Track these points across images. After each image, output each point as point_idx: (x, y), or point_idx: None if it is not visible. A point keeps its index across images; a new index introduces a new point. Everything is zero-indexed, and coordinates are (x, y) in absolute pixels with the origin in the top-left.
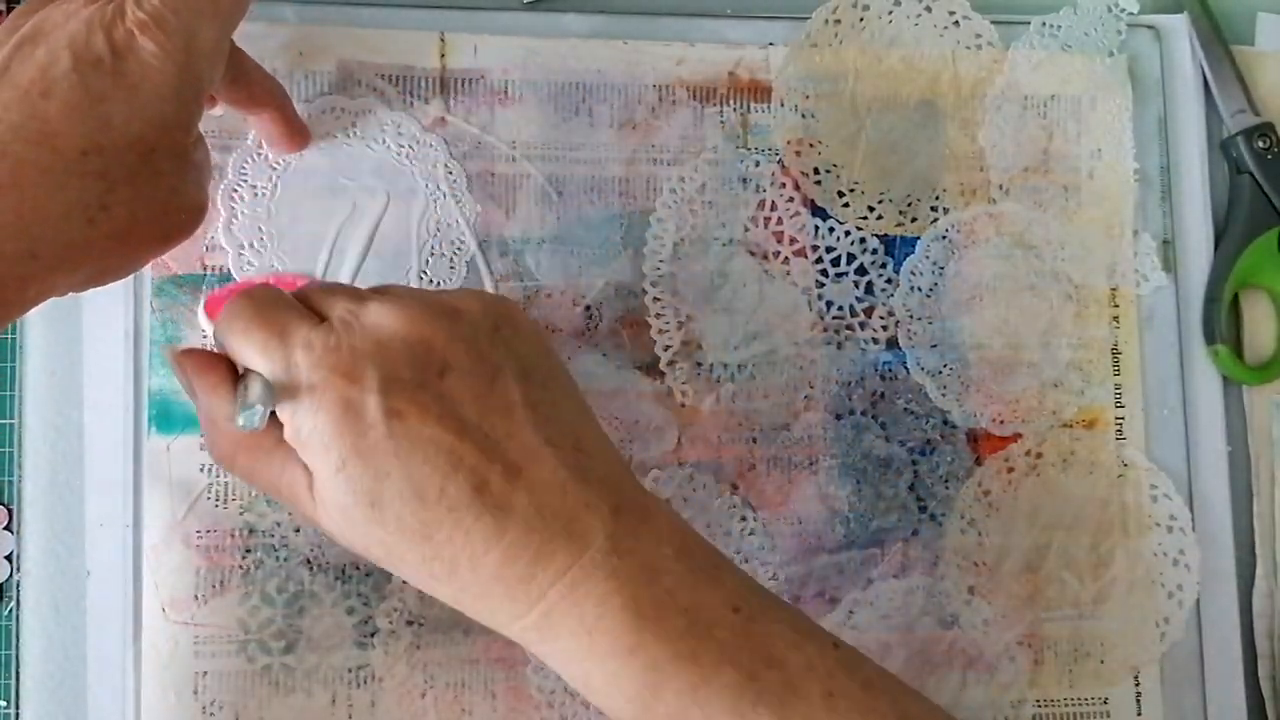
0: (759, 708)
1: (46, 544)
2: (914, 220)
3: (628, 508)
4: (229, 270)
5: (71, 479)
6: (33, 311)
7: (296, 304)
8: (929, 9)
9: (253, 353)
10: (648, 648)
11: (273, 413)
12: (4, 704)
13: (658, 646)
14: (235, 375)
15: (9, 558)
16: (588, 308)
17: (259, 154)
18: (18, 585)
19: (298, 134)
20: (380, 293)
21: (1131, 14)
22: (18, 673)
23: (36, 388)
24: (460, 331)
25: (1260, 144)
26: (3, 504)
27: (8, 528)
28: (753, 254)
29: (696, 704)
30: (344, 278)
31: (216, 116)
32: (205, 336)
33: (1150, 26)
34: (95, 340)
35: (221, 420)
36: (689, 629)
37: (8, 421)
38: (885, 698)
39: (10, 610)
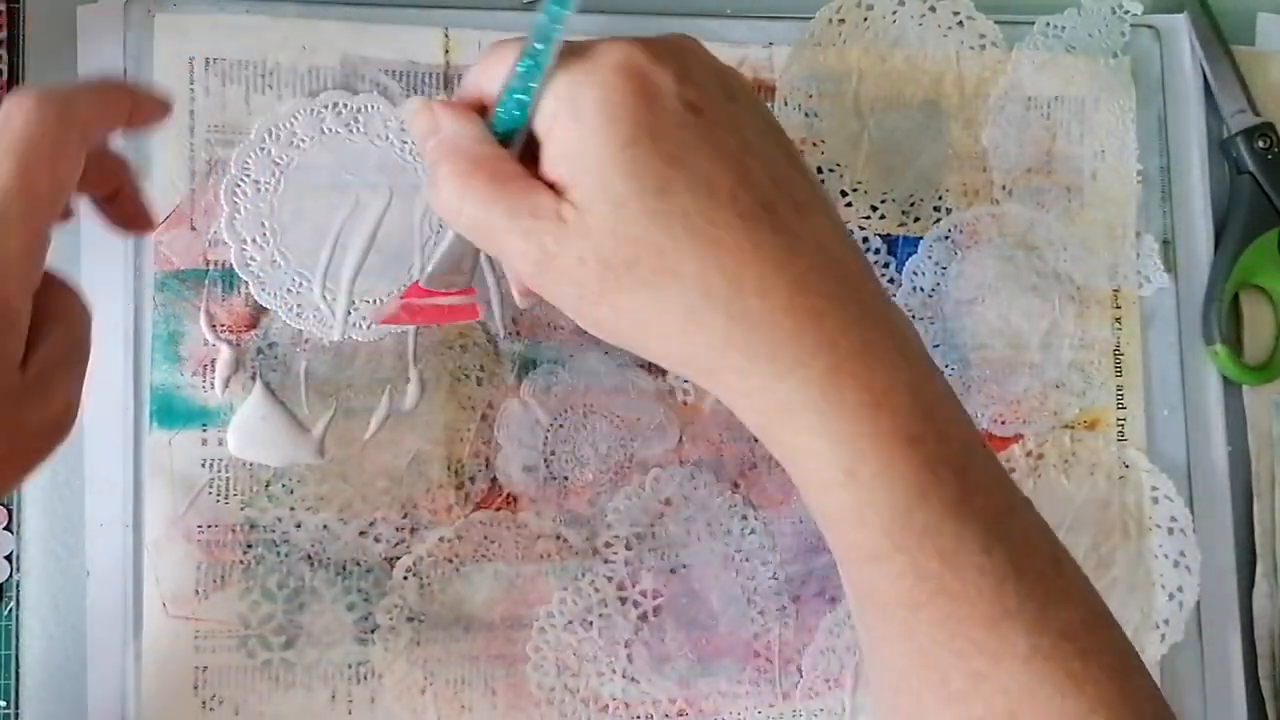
0: (1004, 547)
1: (46, 544)
2: (916, 220)
3: (887, 294)
4: (231, 265)
5: (71, 479)
6: None
7: None
8: (933, 9)
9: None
10: (928, 443)
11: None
12: (4, 704)
13: (937, 444)
14: (482, 109)
15: (9, 558)
16: None
17: (262, 149)
18: (18, 585)
19: (143, 219)
20: None
21: (1136, 15)
22: (18, 673)
23: None
24: (741, 80)
25: (1260, 144)
26: (3, 504)
27: (8, 528)
28: None
29: (955, 521)
30: (346, 274)
31: (219, 110)
32: (208, 342)
33: (1150, 26)
34: (95, 337)
35: (467, 140)
36: (957, 438)
37: None
38: (1091, 582)
39: (10, 610)
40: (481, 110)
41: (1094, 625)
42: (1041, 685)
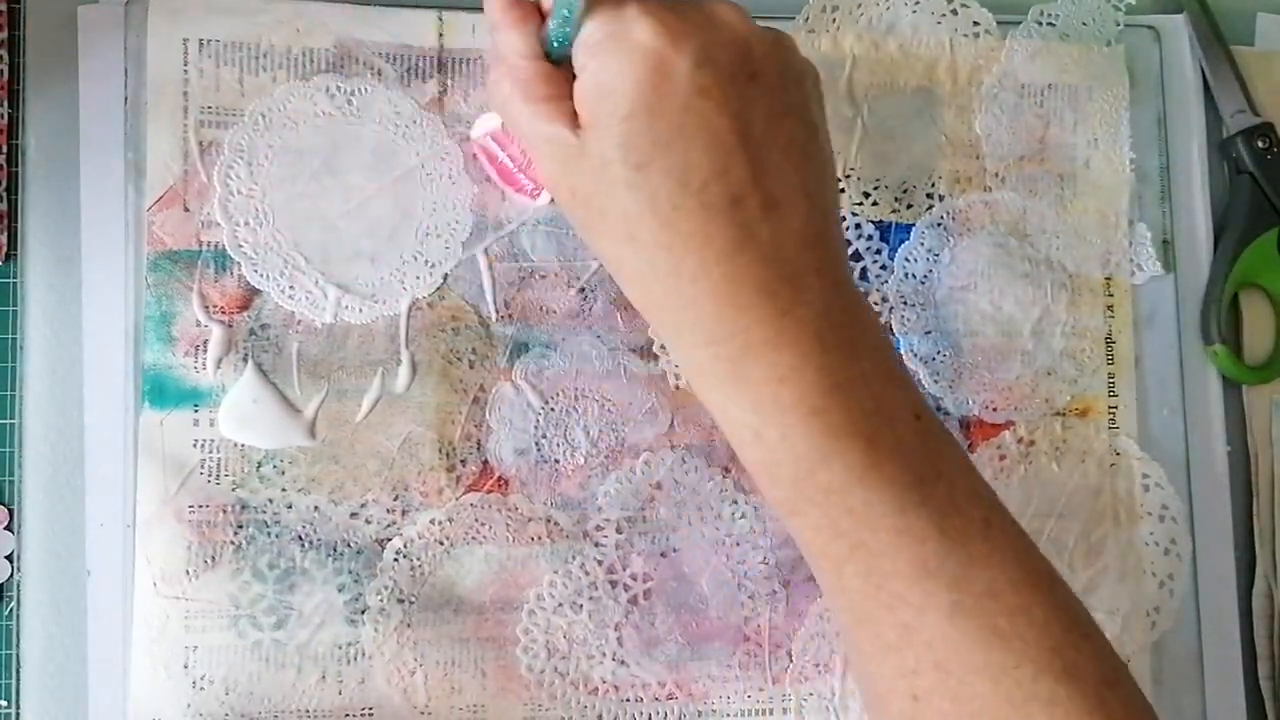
0: (922, 510)
1: (46, 544)
2: (909, 207)
3: (846, 288)
4: (224, 246)
5: (71, 479)
6: (33, 310)
7: None
8: None
9: None
10: (831, 414)
11: (561, 64)
12: (4, 704)
13: (841, 416)
14: (540, 16)
15: (9, 558)
16: (582, 289)
17: (255, 131)
18: (18, 585)
19: None
20: None
21: (1130, 3)
22: (18, 673)
23: (36, 388)
24: (779, 53)
25: (1260, 144)
26: (3, 504)
27: (8, 528)
28: None
29: (862, 485)
30: (339, 256)
31: (213, 92)
32: (200, 323)
33: (1150, 26)
34: (96, 324)
35: (513, 54)
36: (874, 413)
37: (8, 421)
38: (1034, 548)
39: (10, 610)
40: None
41: (1026, 586)
42: (965, 639)
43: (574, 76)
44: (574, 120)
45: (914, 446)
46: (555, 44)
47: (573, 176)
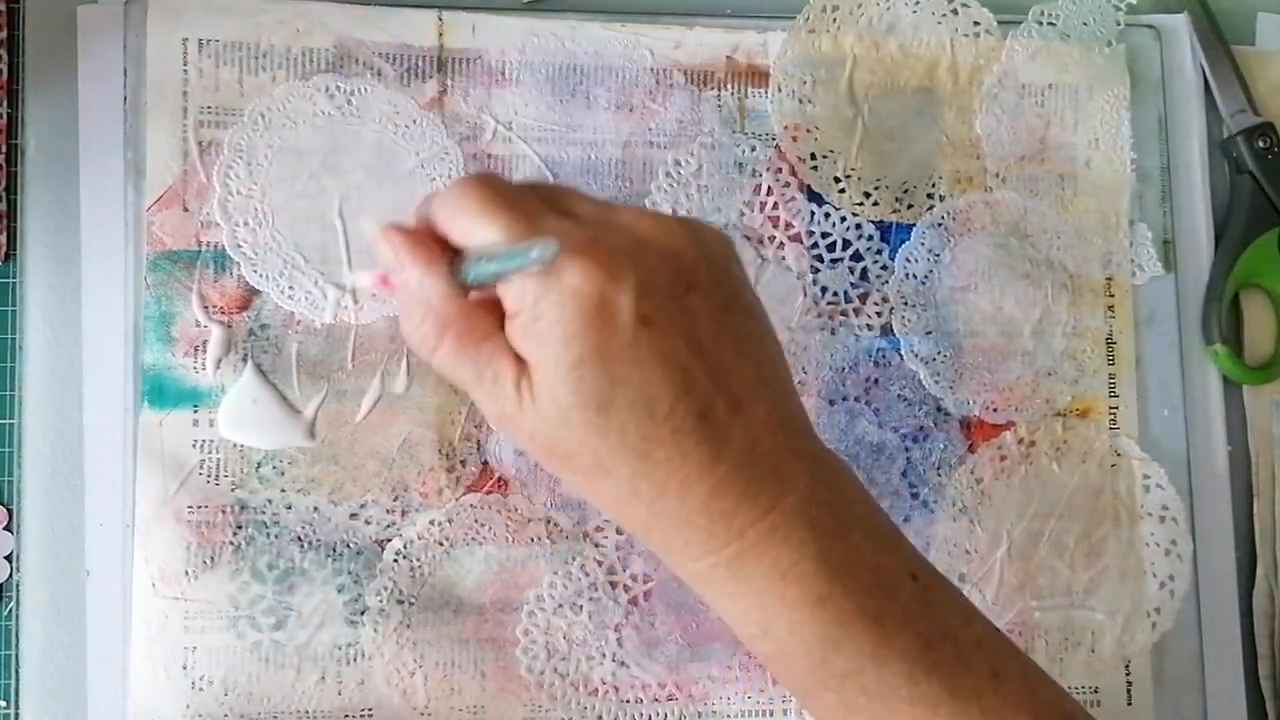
0: (932, 677)
1: (46, 544)
2: (910, 207)
3: (823, 460)
4: (224, 246)
5: (71, 479)
6: (33, 310)
7: (537, 195)
8: None
9: (494, 233)
10: (836, 600)
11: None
12: (4, 704)
13: (846, 600)
14: (452, 252)
15: (9, 558)
16: None
17: (254, 131)
18: (18, 585)
19: None
20: (620, 205)
21: (1131, 3)
22: (18, 673)
23: (36, 388)
24: (706, 252)
25: (1260, 144)
26: (3, 504)
27: (8, 528)
28: (748, 239)
29: (875, 663)
30: (339, 256)
31: (212, 92)
32: (199, 323)
33: (1150, 26)
34: (96, 325)
35: (434, 297)
36: (875, 588)
37: (8, 421)
38: (1044, 685)
39: (10, 610)
40: (443, 243)
41: None
42: None
43: (499, 305)
44: (515, 360)
45: (917, 611)
46: (483, 280)
47: (529, 421)
